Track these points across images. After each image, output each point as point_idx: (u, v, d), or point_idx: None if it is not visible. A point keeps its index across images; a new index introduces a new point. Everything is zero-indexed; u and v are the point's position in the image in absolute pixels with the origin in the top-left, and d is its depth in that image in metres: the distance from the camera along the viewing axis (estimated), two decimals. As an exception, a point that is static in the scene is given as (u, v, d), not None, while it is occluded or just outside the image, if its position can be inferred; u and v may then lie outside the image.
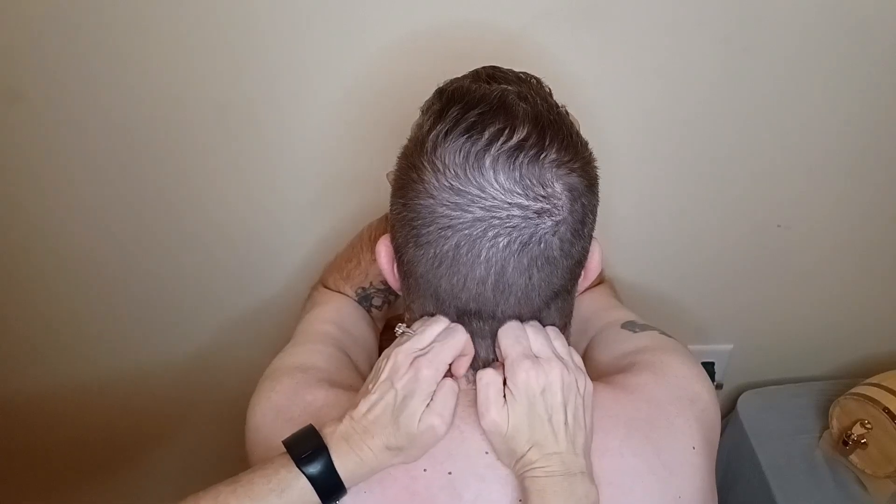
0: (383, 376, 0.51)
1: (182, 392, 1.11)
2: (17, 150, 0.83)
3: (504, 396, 0.51)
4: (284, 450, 0.50)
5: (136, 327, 1.02)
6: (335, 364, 0.64)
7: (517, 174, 0.47)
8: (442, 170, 0.48)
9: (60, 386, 1.07)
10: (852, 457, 0.98)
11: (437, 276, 0.50)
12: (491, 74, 0.53)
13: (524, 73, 0.54)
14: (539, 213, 0.48)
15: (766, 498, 0.99)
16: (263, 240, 0.94)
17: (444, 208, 0.48)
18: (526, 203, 0.47)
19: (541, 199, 0.47)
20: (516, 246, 0.48)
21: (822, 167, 0.90)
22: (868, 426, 0.94)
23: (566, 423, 0.51)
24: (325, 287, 0.80)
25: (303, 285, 0.86)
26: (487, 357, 0.54)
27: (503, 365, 0.52)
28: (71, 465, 1.19)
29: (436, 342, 0.52)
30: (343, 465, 0.49)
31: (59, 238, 0.91)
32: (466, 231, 0.48)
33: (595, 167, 0.52)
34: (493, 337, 0.54)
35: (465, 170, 0.47)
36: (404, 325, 0.56)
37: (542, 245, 0.49)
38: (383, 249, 0.56)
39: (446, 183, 0.47)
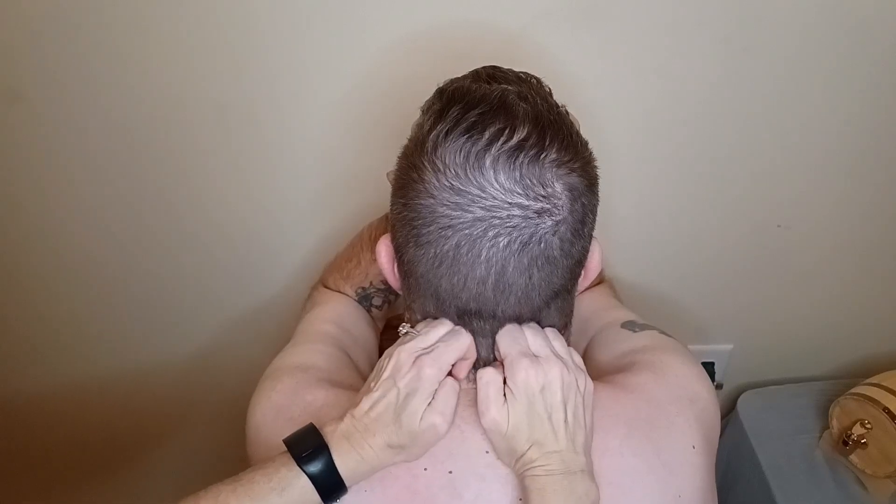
0: (386, 374, 0.51)
1: (182, 392, 1.11)
2: (17, 150, 0.83)
3: (504, 395, 0.51)
4: (285, 449, 0.50)
5: (136, 327, 1.02)
6: (335, 364, 0.64)
7: (517, 174, 0.47)
8: (442, 169, 0.48)
9: (60, 386, 1.07)
10: (852, 457, 0.98)
11: (438, 275, 0.50)
12: (491, 74, 0.53)
13: (524, 73, 0.54)
14: (539, 212, 0.48)
15: (766, 498, 0.99)
16: (263, 240, 0.94)
17: (445, 208, 0.48)
18: (526, 203, 0.47)
19: (541, 198, 0.47)
20: (516, 246, 0.48)
21: (822, 167, 0.90)
22: (868, 426, 0.94)
23: (566, 421, 0.51)
24: (326, 287, 0.80)
25: (303, 285, 0.86)
26: (488, 356, 0.54)
27: (503, 365, 0.52)
28: (71, 465, 1.19)
29: (440, 343, 0.52)
30: (344, 464, 0.49)
31: (59, 238, 0.91)
32: (467, 231, 0.48)
33: (595, 167, 0.52)
34: (494, 336, 0.54)
35: (466, 170, 0.47)
36: (408, 325, 0.56)
37: (542, 245, 0.49)
38: (383, 249, 0.56)
39: (447, 183, 0.47)
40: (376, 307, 0.79)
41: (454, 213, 0.48)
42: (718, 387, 1.15)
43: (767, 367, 1.15)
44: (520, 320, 0.54)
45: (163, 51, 0.76)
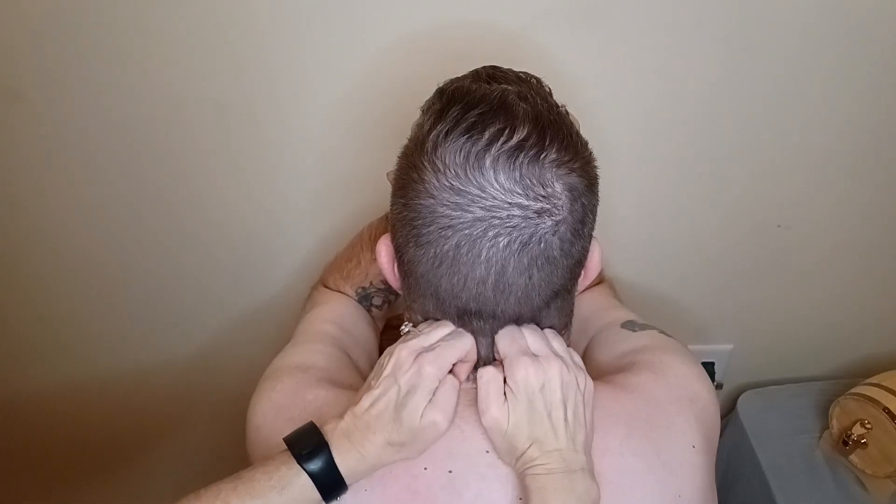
0: (386, 371, 0.52)
1: (182, 392, 1.11)
2: (17, 150, 0.83)
3: (504, 394, 0.52)
4: (285, 447, 0.50)
5: (136, 327, 1.02)
6: (335, 363, 0.64)
7: (517, 174, 0.47)
8: (442, 170, 0.48)
9: (60, 386, 1.07)
10: (852, 457, 0.98)
11: (438, 275, 0.50)
12: (491, 74, 0.53)
13: (524, 73, 0.54)
14: (539, 212, 0.48)
15: (766, 498, 0.99)
16: (263, 240, 0.94)
17: (445, 208, 0.48)
18: (526, 203, 0.47)
19: (541, 198, 0.47)
20: (516, 246, 0.48)
21: (822, 167, 0.90)
22: (868, 426, 0.94)
23: (566, 419, 0.51)
24: (326, 287, 0.80)
25: (303, 285, 0.86)
26: (488, 356, 0.55)
27: (503, 364, 0.53)
28: (71, 465, 1.19)
29: (441, 342, 0.52)
30: (344, 462, 0.49)
31: (59, 238, 0.91)
32: (467, 231, 0.48)
33: (595, 167, 0.52)
34: (494, 336, 0.54)
35: (466, 170, 0.47)
36: (410, 324, 0.56)
37: (542, 245, 0.49)
38: (384, 249, 0.56)
39: (447, 183, 0.47)
40: (376, 307, 0.79)
41: (454, 213, 0.48)
42: (718, 387, 1.15)
43: (767, 367, 1.15)
44: (520, 320, 0.54)
45: (163, 51, 0.76)
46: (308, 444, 0.49)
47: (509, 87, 0.50)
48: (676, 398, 0.58)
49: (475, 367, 0.55)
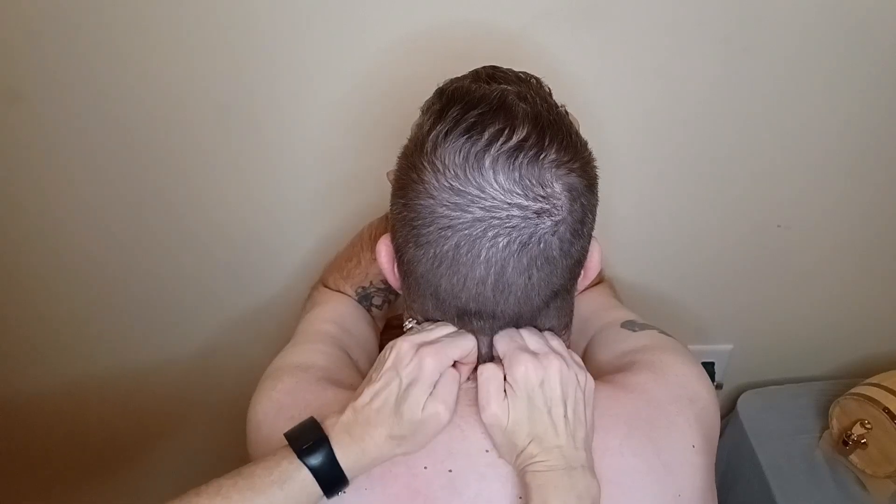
0: (388, 364, 0.52)
1: (182, 392, 1.11)
2: (17, 150, 0.83)
3: (505, 391, 0.52)
4: (286, 443, 0.50)
5: (136, 327, 1.02)
6: (336, 363, 0.64)
7: (517, 174, 0.47)
8: (442, 170, 0.48)
9: (60, 386, 1.07)
10: (852, 457, 0.98)
11: (438, 275, 0.51)
12: (491, 74, 0.53)
13: (524, 73, 0.54)
14: (538, 213, 0.48)
15: (766, 498, 0.99)
16: (263, 240, 0.94)
17: (444, 208, 0.48)
18: (525, 203, 0.47)
19: (540, 199, 0.47)
20: (516, 246, 0.48)
21: (822, 167, 0.90)
22: (868, 426, 0.94)
23: (565, 415, 0.51)
24: (326, 286, 0.81)
25: (303, 285, 0.86)
26: (488, 356, 0.55)
27: (503, 362, 0.53)
28: (71, 465, 1.19)
29: (444, 338, 0.53)
30: (345, 456, 0.49)
31: (59, 238, 0.91)
32: (466, 231, 0.48)
33: (595, 167, 0.52)
34: (493, 336, 0.54)
35: (465, 170, 0.47)
36: (414, 321, 0.56)
37: (541, 245, 0.49)
38: (383, 249, 0.56)
39: (446, 183, 0.47)
40: (376, 307, 0.79)
41: (454, 214, 0.48)
42: (718, 387, 1.15)
43: (767, 367, 1.15)
44: (519, 320, 0.54)
45: (163, 51, 0.76)
46: (309, 439, 0.49)
47: (509, 88, 0.50)
48: (676, 398, 0.58)
49: (475, 368, 0.55)
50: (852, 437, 0.96)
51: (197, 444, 1.17)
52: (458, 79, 0.53)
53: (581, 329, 0.72)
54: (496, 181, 0.47)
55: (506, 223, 0.47)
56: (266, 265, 0.97)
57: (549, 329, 0.56)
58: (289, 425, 0.52)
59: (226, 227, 0.92)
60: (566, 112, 0.52)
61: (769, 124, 0.86)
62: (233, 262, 0.96)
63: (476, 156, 0.47)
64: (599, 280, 0.84)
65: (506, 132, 0.47)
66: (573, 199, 0.49)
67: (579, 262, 0.53)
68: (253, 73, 0.78)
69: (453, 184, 0.47)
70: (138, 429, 1.15)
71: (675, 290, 1.04)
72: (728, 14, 0.76)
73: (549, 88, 0.54)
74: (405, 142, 0.52)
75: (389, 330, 0.82)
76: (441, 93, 0.51)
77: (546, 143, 0.48)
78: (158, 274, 0.96)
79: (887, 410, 0.92)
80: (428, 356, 0.51)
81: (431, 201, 0.48)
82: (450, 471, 0.52)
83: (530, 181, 0.47)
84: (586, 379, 0.54)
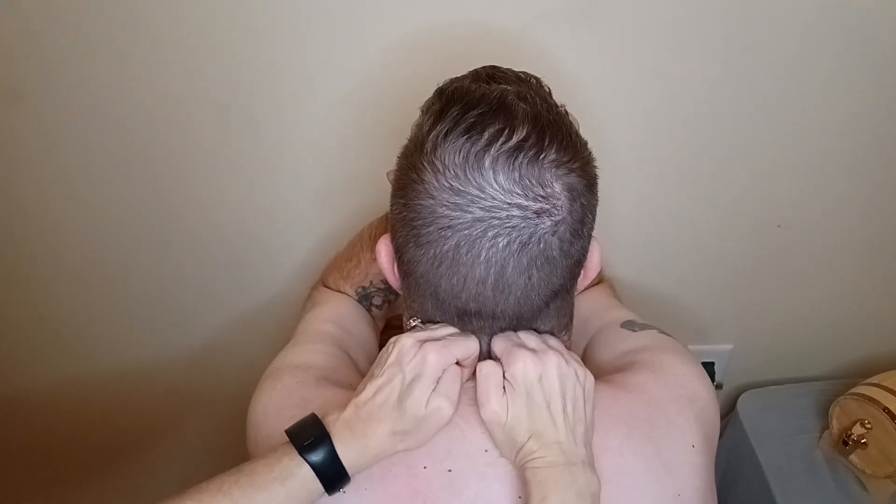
0: (391, 360, 0.52)
1: (182, 392, 1.11)
2: (17, 150, 0.83)
3: (504, 388, 0.52)
4: (288, 439, 0.50)
5: (136, 327, 1.02)
6: (335, 363, 0.65)
7: (517, 174, 0.47)
8: (442, 170, 0.48)
9: (60, 386, 1.07)
10: (852, 457, 0.98)
11: (437, 275, 0.51)
12: (491, 74, 0.53)
13: (524, 72, 0.54)
14: (538, 213, 0.48)
15: (766, 498, 0.99)
16: (263, 240, 0.94)
17: (444, 208, 0.48)
18: (525, 203, 0.47)
19: (540, 199, 0.47)
20: (516, 246, 0.48)
21: (822, 167, 0.90)
22: (868, 426, 0.94)
23: (564, 411, 0.51)
24: (326, 286, 0.81)
25: (303, 285, 0.86)
26: (487, 355, 0.55)
27: (501, 359, 0.53)
28: (71, 465, 1.19)
29: (448, 336, 0.53)
30: (346, 453, 0.49)
31: (59, 238, 0.91)
32: (466, 231, 0.48)
33: (594, 167, 0.52)
34: (493, 336, 0.54)
35: (465, 170, 0.47)
36: (419, 319, 0.56)
37: (541, 245, 0.49)
38: (383, 249, 0.56)
39: (446, 183, 0.47)
40: (376, 307, 0.79)
41: (454, 214, 0.48)
42: (718, 387, 1.15)
43: (767, 367, 1.15)
44: (519, 320, 0.54)
45: (163, 51, 0.76)
46: (310, 436, 0.49)
47: (509, 88, 0.50)
48: (676, 398, 0.58)
49: (475, 371, 0.55)
50: (852, 437, 0.96)
51: (197, 444, 1.17)
52: (458, 79, 0.54)
53: (581, 329, 0.72)
54: (496, 181, 0.47)
55: (506, 223, 0.47)
56: (266, 265, 0.97)
57: (549, 331, 0.56)
58: (288, 425, 0.52)
59: (226, 227, 0.92)
60: (566, 112, 0.52)
61: (769, 124, 0.86)
62: (233, 262, 0.96)
63: (476, 156, 0.47)
64: (599, 280, 0.84)
65: (506, 132, 0.47)
66: (573, 199, 0.49)
67: (579, 262, 0.53)
68: (253, 73, 0.78)
69: (453, 184, 0.47)
70: (138, 428, 1.15)
71: (675, 290, 1.04)
72: (728, 14, 0.76)
73: (549, 88, 0.54)
74: (405, 142, 0.52)
75: (389, 330, 0.82)
76: (441, 93, 0.51)
77: (546, 143, 0.48)
78: (158, 274, 0.96)
79: (887, 410, 0.92)
80: (432, 352, 0.51)
81: (431, 201, 0.48)
82: (449, 470, 0.52)
83: (530, 181, 0.47)
84: (586, 375, 0.54)
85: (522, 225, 0.48)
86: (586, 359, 0.68)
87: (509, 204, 0.47)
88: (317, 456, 0.48)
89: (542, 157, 0.47)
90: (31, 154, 0.83)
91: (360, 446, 0.49)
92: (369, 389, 0.51)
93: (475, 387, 0.53)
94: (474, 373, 0.54)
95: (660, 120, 0.85)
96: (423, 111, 0.52)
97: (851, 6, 0.76)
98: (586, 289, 0.77)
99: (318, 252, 0.92)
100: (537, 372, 0.51)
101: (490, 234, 0.48)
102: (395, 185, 0.53)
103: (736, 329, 1.10)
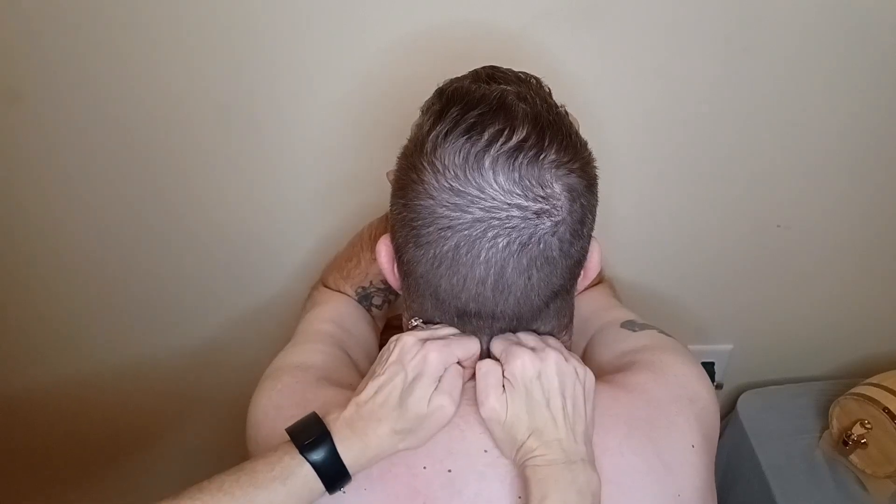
0: (392, 358, 0.52)
1: (182, 392, 1.11)
2: (17, 150, 0.83)
3: (503, 387, 0.52)
4: (288, 439, 0.50)
5: (136, 327, 1.02)
6: (335, 363, 0.65)
7: (516, 175, 0.47)
8: (441, 170, 0.48)
9: (61, 385, 1.07)
10: (852, 457, 0.98)
11: (437, 276, 0.51)
12: (491, 74, 0.53)
13: (524, 73, 0.54)
14: (538, 213, 0.48)
15: (766, 498, 0.99)
16: (263, 240, 0.94)
17: (444, 209, 0.48)
18: (525, 204, 0.47)
19: (540, 199, 0.47)
20: (516, 246, 0.48)
21: (822, 167, 0.90)
22: (868, 426, 0.94)
23: (564, 408, 0.51)
24: (326, 286, 0.81)
25: (303, 285, 0.86)
26: (486, 354, 0.55)
27: (500, 358, 0.53)
28: (71, 465, 1.19)
29: (449, 336, 0.53)
30: (347, 452, 0.49)
31: (59, 238, 0.91)
32: (466, 232, 0.48)
33: (594, 167, 0.52)
34: (492, 336, 0.54)
35: (465, 170, 0.47)
36: (421, 319, 0.56)
37: (541, 245, 0.49)
38: (383, 249, 0.56)
39: (446, 184, 0.47)
40: (376, 307, 0.79)
41: (453, 214, 0.48)
42: (718, 387, 1.15)
43: (767, 367, 1.15)
44: (519, 320, 0.54)
45: (163, 51, 0.76)
46: (311, 434, 0.49)
47: (508, 88, 0.50)
48: (676, 398, 0.58)
49: (474, 374, 0.55)
50: (852, 437, 0.96)
51: (197, 444, 1.17)
52: (457, 79, 0.53)
53: (581, 329, 0.72)
54: (496, 182, 0.47)
55: (505, 224, 0.47)
56: (266, 265, 0.97)
57: (549, 332, 0.56)
58: (288, 424, 0.52)
59: (226, 227, 0.92)
60: (566, 112, 0.52)
61: (769, 124, 0.86)
62: (233, 262, 0.96)
63: (476, 156, 0.47)
64: (599, 280, 0.84)
65: (505, 132, 0.47)
66: (573, 200, 0.49)
67: (579, 263, 0.53)
68: (253, 73, 0.78)
69: (453, 184, 0.47)
70: (138, 428, 1.15)
71: (675, 290, 1.04)
72: (728, 14, 0.76)
73: (548, 88, 0.54)
74: (405, 142, 0.52)
75: (389, 330, 0.82)
76: (441, 93, 0.51)
77: (546, 144, 0.48)
78: (158, 274, 0.96)
79: (887, 410, 0.92)
80: (434, 350, 0.51)
81: (431, 202, 0.48)
82: (449, 470, 0.52)
83: (530, 182, 0.47)
84: (585, 373, 0.54)
85: (522, 225, 0.48)
86: (586, 359, 0.68)
87: (509, 204, 0.47)
88: (318, 455, 0.48)
89: (541, 157, 0.47)
90: (31, 154, 0.83)
91: (361, 445, 0.49)
92: (370, 388, 0.51)
93: (475, 387, 0.53)
94: (474, 374, 0.54)
95: (660, 120, 0.85)
96: (423, 111, 0.52)
97: (851, 6, 0.76)
98: (586, 289, 0.77)
99: (318, 252, 0.92)
100: (536, 369, 0.51)
101: (490, 234, 0.48)
102: (394, 186, 0.53)
103: (736, 329, 1.10)
